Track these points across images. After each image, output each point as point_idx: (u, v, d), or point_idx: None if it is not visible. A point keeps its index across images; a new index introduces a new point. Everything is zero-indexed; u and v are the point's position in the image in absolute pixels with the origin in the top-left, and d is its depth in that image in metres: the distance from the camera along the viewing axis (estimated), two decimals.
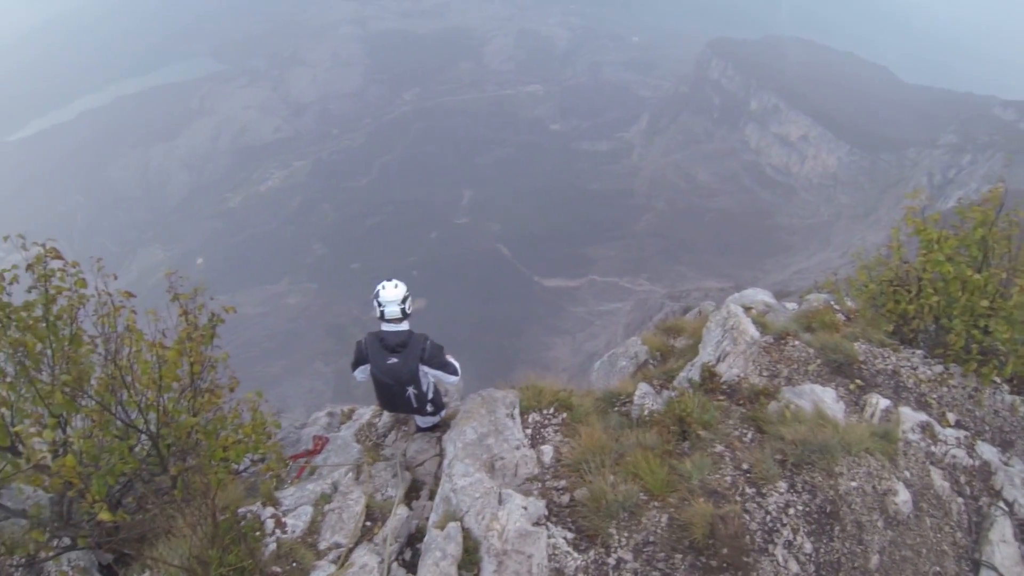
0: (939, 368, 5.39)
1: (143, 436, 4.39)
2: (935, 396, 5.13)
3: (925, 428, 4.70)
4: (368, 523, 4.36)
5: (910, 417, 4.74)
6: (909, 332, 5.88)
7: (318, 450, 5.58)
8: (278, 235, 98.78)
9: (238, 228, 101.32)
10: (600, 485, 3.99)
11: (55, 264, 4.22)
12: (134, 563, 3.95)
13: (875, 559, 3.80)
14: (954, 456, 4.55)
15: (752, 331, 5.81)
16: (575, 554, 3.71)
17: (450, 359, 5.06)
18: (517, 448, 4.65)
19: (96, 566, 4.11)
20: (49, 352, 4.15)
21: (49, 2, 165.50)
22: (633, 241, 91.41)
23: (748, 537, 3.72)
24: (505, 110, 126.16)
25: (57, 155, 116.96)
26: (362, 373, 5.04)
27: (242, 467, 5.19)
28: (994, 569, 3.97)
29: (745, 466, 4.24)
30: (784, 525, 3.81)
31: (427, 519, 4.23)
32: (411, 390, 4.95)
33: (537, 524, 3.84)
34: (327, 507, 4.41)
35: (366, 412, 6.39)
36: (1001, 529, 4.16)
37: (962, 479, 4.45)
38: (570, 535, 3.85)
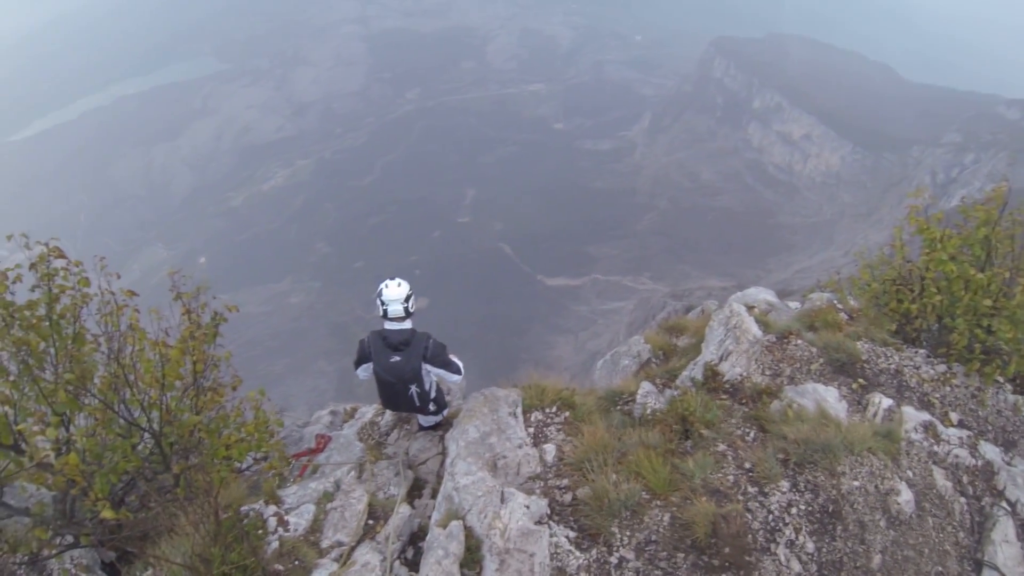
0: (942, 367, 5.38)
1: (146, 434, 4.40)
2: (938, 396, 5.12)
3: (928, 428, 4.69)
4: (370, 521, 4.37)
5: (913, 417, 4.73)
6: (912, 331, 5.87)
7: (320, 448, 5.59)
8: (281, 234, 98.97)
9: (241, 227, 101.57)
10: (602, 484, 4.00)
11: (58, 263, 4.25)
12: (137, 561, 3.97)
13: (877, 559, 3.79)
14: (957, 456, 4.54)
15: (755, 330, 5.80)
16: (577, 553, 3.71)
17: (453, 358, 5.06)
18: (519, 447, 4.65)
19: (99, 564, 4.12)
20: (52, 351, 4.17)
21: (52, 2, 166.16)
22: (636, 240, 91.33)
23: (750, 536, 3.72)
24: (508, 109, 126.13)
25: (60, 155, 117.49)
26: (365, 371, 5.05)
27: (245, 465, 5.22)
28: (996, 569, 3.96)
29: (747, 465, 4.23)
30: (786, 524, 3.80)
31: (429, 517, 4.24)
32: (414, 388, 4.95)
33: (539, 523, 3.84)
34: (329, 505, 4.41)
35: (368, 411, 6.39)
36: (1003, 529, 4.15)
37: (965, 479, 4.44)
38: (572, 534, 3.85)
